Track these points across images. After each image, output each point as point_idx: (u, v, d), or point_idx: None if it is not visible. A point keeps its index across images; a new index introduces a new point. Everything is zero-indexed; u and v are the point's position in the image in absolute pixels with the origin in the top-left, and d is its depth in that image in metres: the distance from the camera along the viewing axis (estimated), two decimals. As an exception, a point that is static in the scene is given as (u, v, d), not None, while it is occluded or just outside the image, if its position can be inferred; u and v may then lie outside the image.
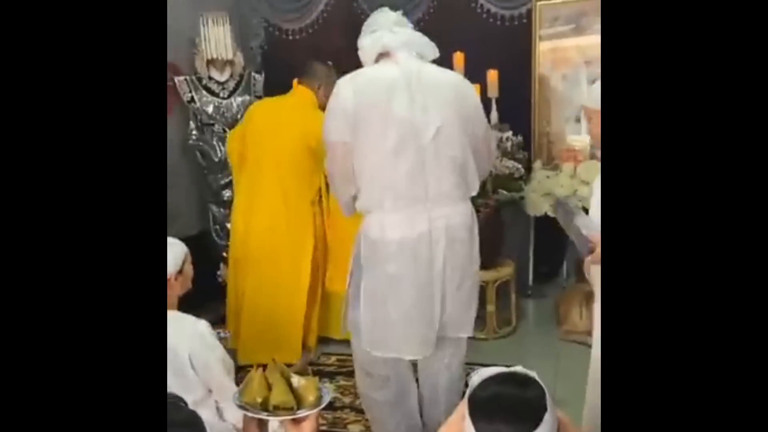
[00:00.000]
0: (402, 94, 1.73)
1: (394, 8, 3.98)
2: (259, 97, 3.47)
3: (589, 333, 2.88)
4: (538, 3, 3.37)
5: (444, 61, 3.47)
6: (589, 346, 2.82)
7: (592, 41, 3.37)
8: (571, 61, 3.41)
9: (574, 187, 3.24)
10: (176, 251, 1.79)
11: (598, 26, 3.36)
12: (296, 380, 1.22)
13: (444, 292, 1.84)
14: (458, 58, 3.35)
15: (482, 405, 1.08)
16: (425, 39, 1.86)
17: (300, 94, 2.85)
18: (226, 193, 3.37)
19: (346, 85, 1.79)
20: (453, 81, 1.87)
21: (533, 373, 1.15)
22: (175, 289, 1.77)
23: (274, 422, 1.27)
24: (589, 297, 2.94)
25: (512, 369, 1.16)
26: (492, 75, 3.33)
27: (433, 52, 1.87)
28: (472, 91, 1.93)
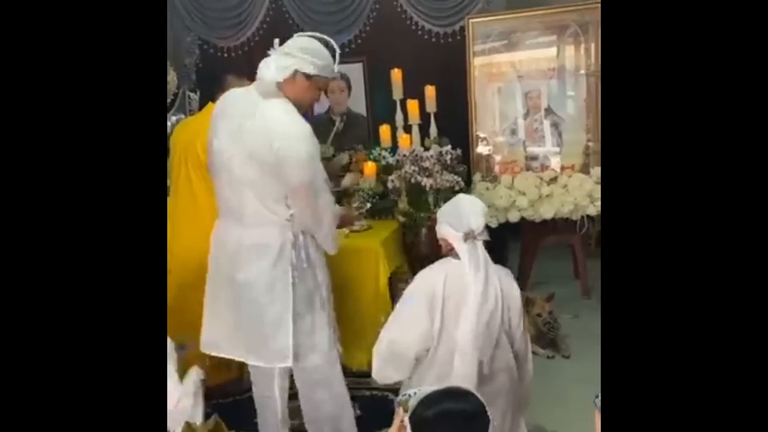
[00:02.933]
0: (219, 122, 1.97)
1: (330, 26, 4.00)
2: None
3: (533, 340, 2.96)
4: (471, 20, 3.46)
5: (382, 77, 3.54)
6: (534, 354, 2.90)
7: (524, 56, 3.49)
8: (505, 75, 3.52)
9: (513, 198, 3.33)
10: None
11: (529, 42, 3.49)
12: None
13: (249, 310, 2.00)
14: (396, 74, 3.39)
15: (428, 424, 1.07)
16: (265, 69, 1.88)
17: (208, 110, 2.78)
18: (163, 216, 3.25)
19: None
20: (263, 123, 1.84)
21: (468, 387, 1.17)
22: None
23: None
24: (528, 303, 3.01)
25: (447, 386, 1.17)
26: (429, 90, 3.39)
27: (263, 87, 1.89)
28: (281, 137, 1.82)
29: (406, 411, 1.13)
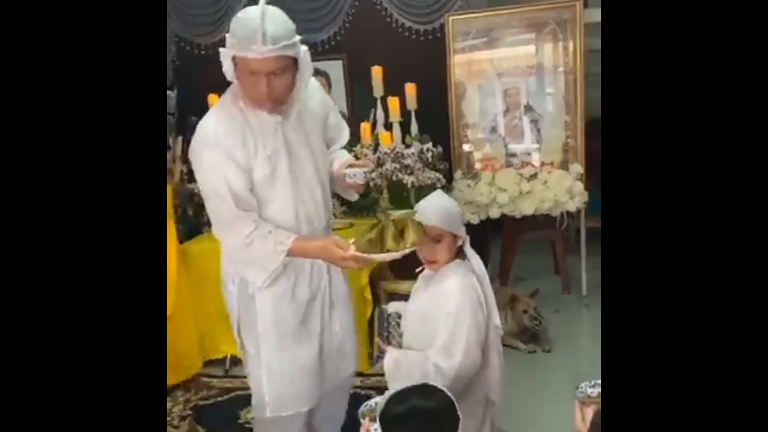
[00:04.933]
0: None
1: (309, 23, 3.98)
2: (172, 114, 3.33)
3: (515, 336, 2.99)
4: (450, 17, 3.47)
5: (363, 75, 3.53)
6: (516, 349, 2.92)
7: (503, 54, 3.51)
8: (485, 73, 3.53)
9: (493, 194, 3.35)
10: None
11: (508, 39, 3.50)
12: None
13: None
14: (376, 71, 3.38)
15: (397, 421, 1.08)
16: None
17: None
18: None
19: None
20: None
21: (438, 384, 1.17)
22: None
23: None
24: (513, 300, 3.03)
25: (417, 383, 1.17)
26: (410, 88, 3.38)
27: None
28: None
29: (372, 420, 1.13)
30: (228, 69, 1.59)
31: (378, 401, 1.15)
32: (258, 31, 1.45)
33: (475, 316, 1.63)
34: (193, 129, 1.72)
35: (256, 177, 1.60)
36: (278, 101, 1.59)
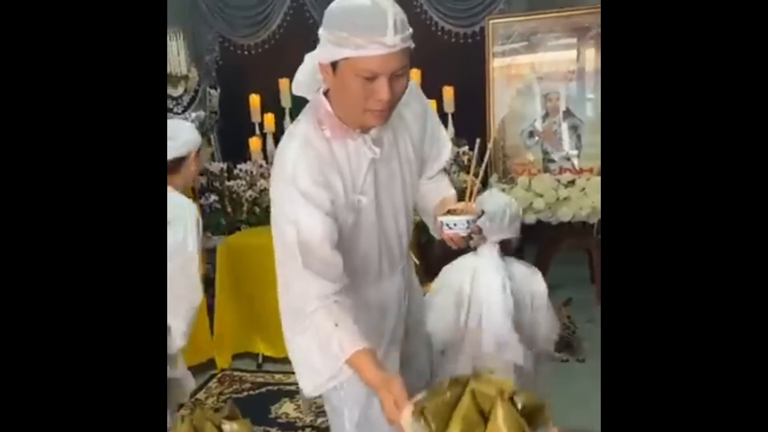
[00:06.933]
0: None
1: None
2: (215, 113, 3.42)
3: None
4: (491, 21, 3.45)
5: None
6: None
7: (544, 58, 3.47)
8: (524, 77, 3.50)
9: (530, 200, 3.31)
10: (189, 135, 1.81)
11: (550, 43, 3.47)
12: (228, 427, 1.16)
13: None
14: (414, 74, 3.39)
15: None
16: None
17: None
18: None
19: None
20: None
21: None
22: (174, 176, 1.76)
23: None
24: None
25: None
26: (448, 91, 3.39)
27: None
28: None
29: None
30: (314, 79, 1.23)
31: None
32: (389, 15, 1.06)
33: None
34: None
35: (340, 224, 1.25)
36: (390, 112, 1.20)
